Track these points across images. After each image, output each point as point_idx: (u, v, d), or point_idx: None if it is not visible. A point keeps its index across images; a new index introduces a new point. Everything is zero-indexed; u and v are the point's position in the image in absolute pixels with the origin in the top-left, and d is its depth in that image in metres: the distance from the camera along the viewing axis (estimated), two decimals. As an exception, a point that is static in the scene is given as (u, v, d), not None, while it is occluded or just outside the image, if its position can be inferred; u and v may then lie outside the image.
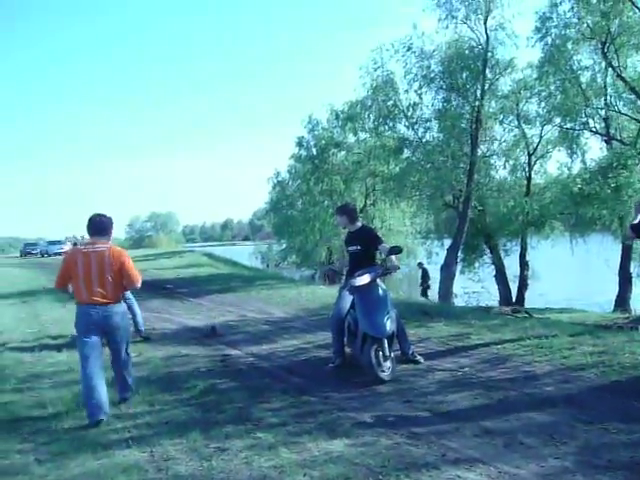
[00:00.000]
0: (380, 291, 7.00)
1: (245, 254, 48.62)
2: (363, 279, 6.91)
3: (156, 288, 16.41)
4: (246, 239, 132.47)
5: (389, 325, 6.67)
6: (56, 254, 49.51)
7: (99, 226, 6.05)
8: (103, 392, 5.68)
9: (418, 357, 7.32)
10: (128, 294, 8.61)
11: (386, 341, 6.62)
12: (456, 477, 4.02)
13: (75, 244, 47.74)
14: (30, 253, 54.52)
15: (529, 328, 8.57)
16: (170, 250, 49.90)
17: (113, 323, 5.86)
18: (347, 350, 7.39)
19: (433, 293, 22.46)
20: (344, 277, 7.68)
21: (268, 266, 44.06)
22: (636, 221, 6.12)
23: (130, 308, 8.80)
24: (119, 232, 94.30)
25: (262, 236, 78.38)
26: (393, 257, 7.28)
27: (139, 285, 6.10)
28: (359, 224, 7.55)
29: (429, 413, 5.37)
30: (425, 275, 23.48)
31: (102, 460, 4.67)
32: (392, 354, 6.67)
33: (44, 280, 22.65)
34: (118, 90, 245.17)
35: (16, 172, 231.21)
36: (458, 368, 6.87)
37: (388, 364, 6.58)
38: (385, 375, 6.48)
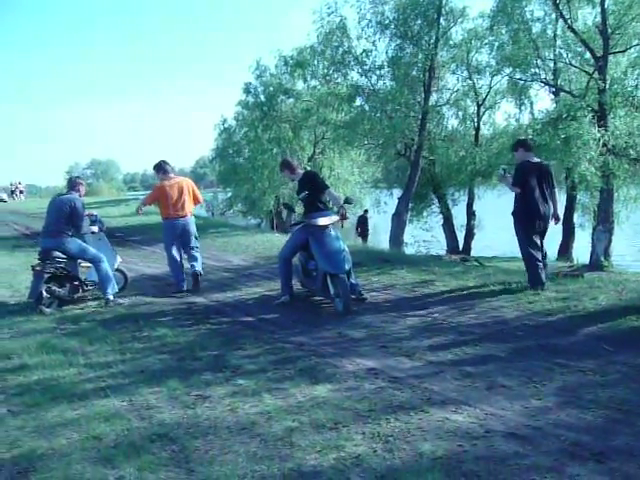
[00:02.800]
0: (333, 232, 7.59)
1: (189, 202, 47.87)
2: (324, 220, 7.57)
3: (107, 237, 15.95)
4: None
5: (346, 262, 7.33)
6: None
7: (169, 167, 9.27)
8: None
9: (365, 295, 7.85)
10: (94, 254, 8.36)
11: (345, 277, 7.25)
12: (445, 419, 4.06)
13: (13, 191, 46.12)
14: None
15: (492, 275, 8.68)
16: (114, 198, 48.64)
17: (190, 229, 9.21)
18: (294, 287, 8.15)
19: (376, 241, 22.85)
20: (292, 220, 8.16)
21: (213, 215, 43.58)
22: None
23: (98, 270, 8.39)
24: (58, 179, 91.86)
25: (205, 184, 77.41)
26: (346, 206, 7.89)
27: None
28: (301, 171, 8.24)
29: (407, 358, 5.41)
30: (365, 222, 24.36)
31: (80, 410, 4.58)
32: (349, 289, 7.31)
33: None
34: (56, 37, 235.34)
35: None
36: (427, 314, 6.94)
37: (349, 297, 7.24)
38: (348, 307, 7.16)
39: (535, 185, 7.62)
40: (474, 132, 23.65)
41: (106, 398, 4.77)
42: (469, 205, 24.98)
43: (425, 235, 24.71)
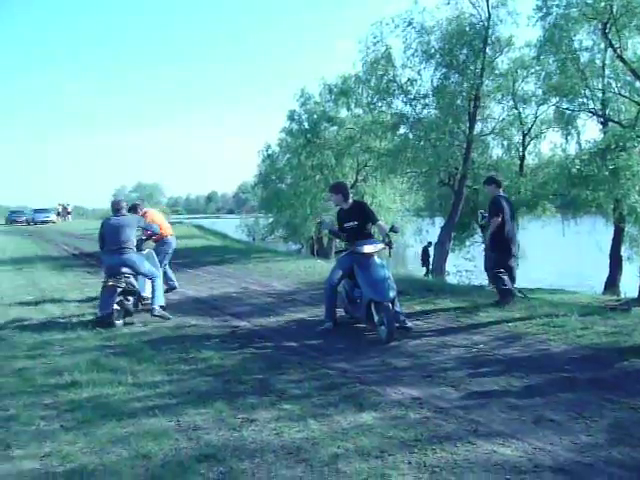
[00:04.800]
0: (378, 260, 7.64)
1: (230, 227, 48.23)
2: (370, 247, 7.64)
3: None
4: (230, 212, 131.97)
5: (391, 291, 7.33)
6: (43, 222, 49.02)
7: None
8: None
9: (409, 324, 7.74)
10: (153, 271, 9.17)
11: (390, 305, 7.22)
12: (492, 452, 4.02)
13: (64, 210, 47.32)
14: (16, 221, 53.67)
15: (538, 307, 8.59)
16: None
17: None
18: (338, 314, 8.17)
19: (417, 269, 22.76)
20: (335, 250, 8.30)
21: (254, 239, 43.90)
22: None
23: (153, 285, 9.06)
24: (104, 202, 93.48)
25: (247, 209, 78.01)
26: (392, 234, 8.03)
27: None
28: (351, 200, 8.21)
29: (452, 389, 5.37)
30: (428, 253, 24.41)
31: (129, 428, 4.64)
32: (393, 317, 7.25)
33: (37, 248, 22.53)
34: (107, 58, 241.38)
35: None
36: (472, 344, 6.89)
37: (393, 325, 7.17)
38: (393, 335, 7.09)
39: (509, 216, 8.88)
40: (519, 162, 23.47)
41: (154, 417, 4.83)
42: (513, 235, 24.69)
43: (467, 265, 24.54)
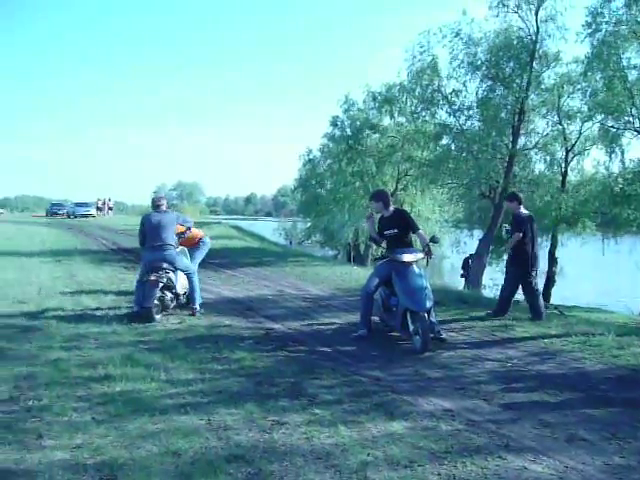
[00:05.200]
0: (417, 270, 7.63)
1: (268, 230, 48.46)
2: (409, 256, 7.65)
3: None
4: (268, 215, 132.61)
5: (428, 301, 7.31)
6: (83, 216, 49.82)
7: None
8: None
9: (444, 335, 7.74)
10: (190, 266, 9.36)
11: (426, 315, 7.20)
12: (523, 469, 3.98)
13: (106, 205, 48.10)
14: (56, 213, 54.68)
15: (574, 324, 8.48)
16: (197, 220, 49.95)
17: None
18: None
19: (453, 281, 22.55)
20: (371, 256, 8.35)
21: (291, 243, 44.09)
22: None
23: (190, 281, 9.23)
24: (145, 199, 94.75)
25: (285, 213, 78.39)
26: (431, 244, 8.04)
27: None
28: (392, 208, 8.18)
29: (484, 402, 5.33)
30: (468, 265, 24.21)
31: (160, 424, 4.69)
32: (429, 327, 7.23)
33: (76, 241, 22.90)
34: (150, 59, 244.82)
35: (42, 135, 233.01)
36: (507, 359, 6.82)
37: (428, 336, 7.14)
38: (427, 346, 7.07)
39: (530, 234, 9.10)
40: (561, 178, 23.15)
41: (185, 415, 4.88)
42: (551, 252, 24.38)
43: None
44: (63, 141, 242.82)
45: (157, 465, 3.98)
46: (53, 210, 57.11)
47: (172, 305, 9.11)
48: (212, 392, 5.50)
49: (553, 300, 23.05)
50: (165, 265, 8.85)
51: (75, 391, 5.48)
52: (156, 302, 8.62)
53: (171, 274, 8.95)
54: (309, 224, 37.46)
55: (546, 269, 24.32)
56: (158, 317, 8.61)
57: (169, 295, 8.95)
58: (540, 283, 24.22)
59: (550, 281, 24.18)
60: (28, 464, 3.99)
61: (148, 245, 9.01)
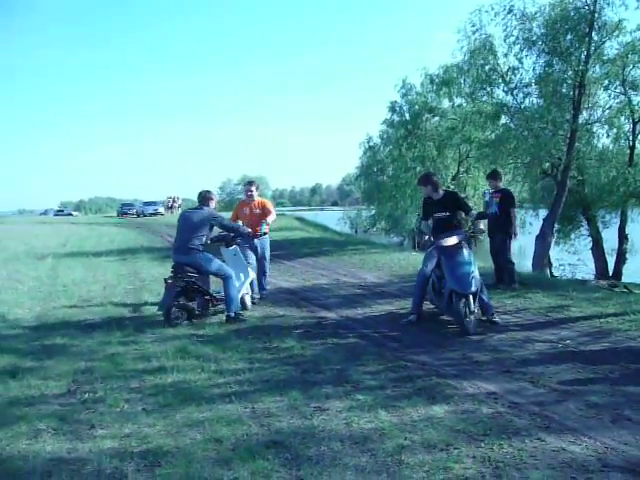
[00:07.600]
0: (465, 252, 7.60)
1: (333, 219, 48.46)
2: (450, 240, 7.65)
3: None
4: (334, 204, 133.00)
5: (474, 283, 7.29)
6: (151, 214, 51.15)
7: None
8: None
9: (497, 318, 7.69)
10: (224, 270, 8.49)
11: (471, 297, 7.23)
12: (561, 449, 3.94)
13: (170, 206, 48.83)
14: (126, 213, 56.18)
15: (633, 303, 8.25)
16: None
17: None
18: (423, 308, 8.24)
19: (520, 263, 22.07)
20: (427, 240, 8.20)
21: (357, 232, 44.04)
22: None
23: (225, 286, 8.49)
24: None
25: (350, 202, 78.36)
26: (480, 222, 8.24)
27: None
28: (441, 191, 8.21)
29: (530, 384, 5.28)
30: None
31: (205, 413, 4.83)
32: (475, 310, 7.31)
33: (142, 239, 23.51)
34: (213, 55, 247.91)
35: (112, 137, 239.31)
36: (558, 340, 6.71)
37: (472, 318, 7.21)
38: (470, 327, 7.13)
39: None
40: (629, 151, 22.41)
41: (230, 404, 5.01)
42: (621, 228, 23.65)
43: (571, 258, 23.72)
44: (132, 143, 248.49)
45: (199, 452, 4.11)
46: (123, 210, 58.71)
47: (206, 311, 8.58)
48: (259, 381, 5.61)
49: (624, 278, 22.41)
50: (188, 268, 8.18)
51: (129, 383, 5.69)
52: (174, 308, 8.15)
53: (195, 278, 8.25)
54: (373, 212, 37.36)
55: (616, 246, 23.66)
56: (176, 322, 8.09)
57: (197, 300, 8.38)
58: (611, 261, 23.76)
59: (621, 258, 23.49)
60: (79, 453, 4.19)
61: (174, 245, 8.73)
